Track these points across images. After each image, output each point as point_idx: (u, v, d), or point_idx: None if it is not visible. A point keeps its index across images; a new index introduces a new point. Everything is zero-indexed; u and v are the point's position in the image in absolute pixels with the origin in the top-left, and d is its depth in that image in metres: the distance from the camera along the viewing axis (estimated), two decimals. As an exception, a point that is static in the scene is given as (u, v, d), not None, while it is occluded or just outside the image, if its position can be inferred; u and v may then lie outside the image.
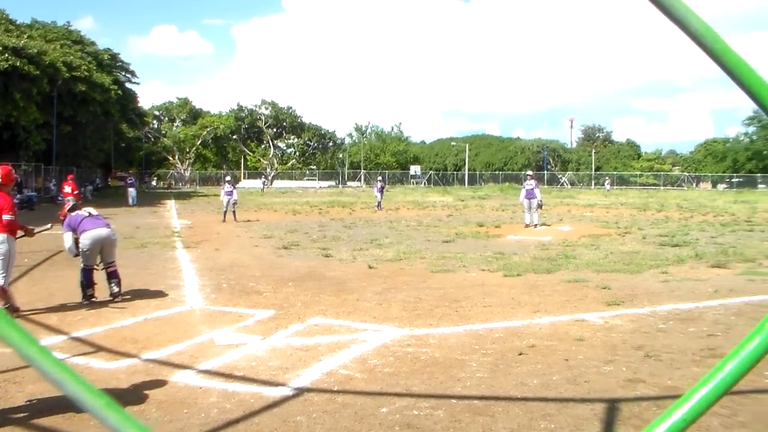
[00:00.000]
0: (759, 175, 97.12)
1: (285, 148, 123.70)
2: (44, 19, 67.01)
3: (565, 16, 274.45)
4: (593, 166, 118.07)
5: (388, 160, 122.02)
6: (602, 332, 9.18)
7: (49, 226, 11.43)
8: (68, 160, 61.52)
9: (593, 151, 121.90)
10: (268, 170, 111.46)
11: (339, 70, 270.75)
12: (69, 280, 12.48)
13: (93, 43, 68.22)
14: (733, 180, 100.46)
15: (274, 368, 7.57)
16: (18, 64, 47.17)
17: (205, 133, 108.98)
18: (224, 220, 30.49)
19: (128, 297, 11.78)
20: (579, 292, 12.20)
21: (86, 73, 55.76)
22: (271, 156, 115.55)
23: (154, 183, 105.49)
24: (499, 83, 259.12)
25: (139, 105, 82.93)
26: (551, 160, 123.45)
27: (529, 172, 30.31)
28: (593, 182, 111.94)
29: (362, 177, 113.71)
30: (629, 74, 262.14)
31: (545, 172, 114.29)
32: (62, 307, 10.96)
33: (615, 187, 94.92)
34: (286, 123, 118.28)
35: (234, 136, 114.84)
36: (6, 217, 9.96)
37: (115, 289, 11.51)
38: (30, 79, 48.22)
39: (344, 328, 9.53)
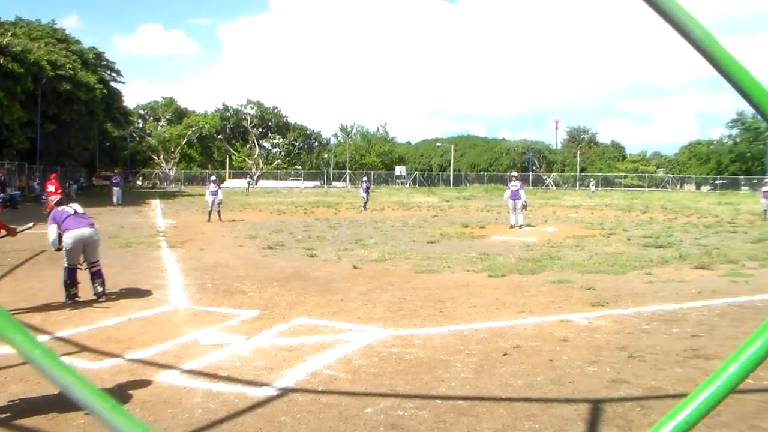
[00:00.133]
0: (742, 177, 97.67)
1: (270, 148, 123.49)
2: (28, 17, 66.63)
3: (551, 18, 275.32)
4: (578, 167, 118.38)
5: (373, 160, 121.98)
6: (586, 333, 9.21)
7: (31, 224, 11.37)
8: (52, 159, 61.21)
9: (578, 152, 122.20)
10: (253, 170, 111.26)
11: (325, 70, 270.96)
12: (52, 279, 12.43)
13: (78, 42, 67.87)
14: (716, 182, 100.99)
15: (258, 368, 7.56)
16: (2, 62, 46.92)
17: (190, 132, 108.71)
18: (209, 220, 30.35)
19: (113, 296, 11.75)
20: (563, 292, 12.23)
21: (71, 72, 55.51)
22: (256, 156, 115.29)
23: (139, 182, 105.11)
24: (485, 84, 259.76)
25: (124, 104, 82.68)
26: (536, 161, 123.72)
27: (514, 173, 30.35)
28: (578, 183, 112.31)
29: (347, 177, 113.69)
30: (614, 76, 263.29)
31: (530, 173, 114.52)
32: (46, 307, 10.91)
33: (600, 189, 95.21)
34: (271, 123, 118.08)
35: (219, 136, 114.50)
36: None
37: (99, 289, 11.47)
38: (14, 77, 47.92)
39: (329, 328, 9.53)
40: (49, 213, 11.71)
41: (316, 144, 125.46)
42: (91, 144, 74.27)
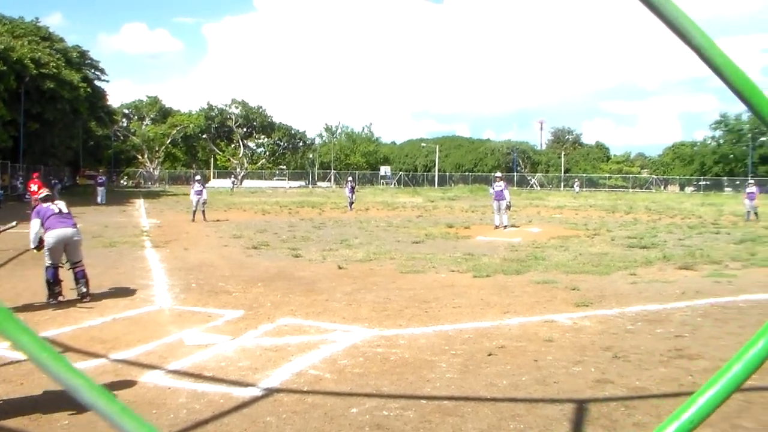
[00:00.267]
0: (725, 178, 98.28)
1: (255, 147, 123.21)
2: (11, 15, 66.17)
3: (536, 19, 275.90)
4: (563, 168, 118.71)
5: (358, 160, 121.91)
6: (571, 333, 9.24)
7: (14, 224, 11.30)
8: (36, 157, 60.79)
9: (563, 153, 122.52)
10: (238, 170, 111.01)
11: (310, 70, 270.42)
12: (36, 279, 12.37)
13: (62, 40, 67.43)
14: (700, 183, 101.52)
15: (243, 368, 7.55)
16: (-16, 60, 46.63)
17: (174, 132, 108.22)
18: (193, 220, 30.28)
19: (97, 297, 11.69)
20: (548, 293, 12.27)
21: (55, 70, 55.18)
22: (240, 155, 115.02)
23: (123, 182, 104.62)
24: (470, 85, 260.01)
25: (109, 103, 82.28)
26: (521, 162, 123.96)
27: (498, 174, 30.41)
28: (562, 184, 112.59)
29: (332, 177, 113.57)
30: (598, 77, 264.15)
31: (515, 173, 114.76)
32: (29, 307, 10.86)
33: (584, 189, 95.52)
34: (256, 122, 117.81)
35: (204, 136, 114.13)
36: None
37: (83, 289, 11.43)
38: (-3, 75, 47.66)
39: (314, 328, 9.53)
40: (35, 207, 11.69)
41: (300, 144, 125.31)
42: (74, 143, 73.78)
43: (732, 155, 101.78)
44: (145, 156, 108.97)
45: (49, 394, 6.63)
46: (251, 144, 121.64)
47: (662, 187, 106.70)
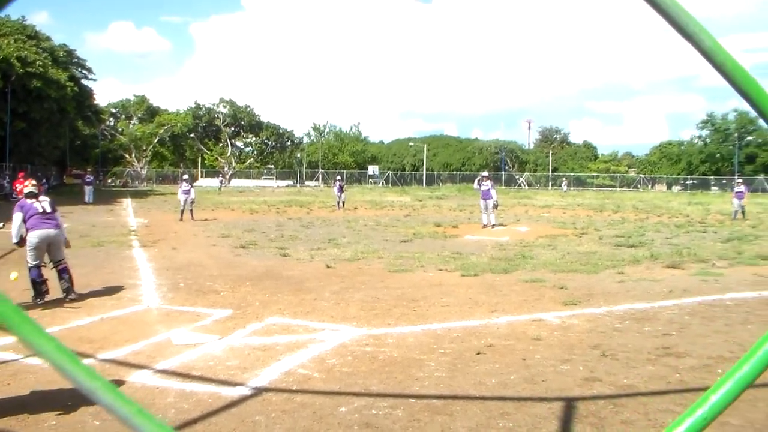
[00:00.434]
0: (712, 177, 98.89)
1: (243, 146, 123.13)
2: (-3, 14, 65.73)
3: (523, 19, 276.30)
4: (550, 167, 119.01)
5: (346, 159, 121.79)
6: (559, 332, 9.26)
7: (1, 225, 11.26)
8: (22, 157, 60.51)
9: (551, 152, 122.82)
10: (226, 169, 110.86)
11: (298, 69, 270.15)
12: (22, 279, 12.30)
13: (48, 39, 67.10)
14: (687, 182, 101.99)
15: (232, 368, 7.54)
16: (-30, 59, 46.40)
17: (162, 131, 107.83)
18: (181, 219, 30.20)
19: (84, 296, 11.66)
20: (536, 291, 12.30)
21: (41, 69, 54.93)
22: (228, 155, 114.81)
23: (110, 181, 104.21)
24: (458, 84, 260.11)
25: (96, 102, 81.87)
26: (509, 161, 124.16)
27: (485, 173, 30.46)
28: (550, 183, 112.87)
29: (320, 176, 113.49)
30: (586, 77, 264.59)
31: (503, 172, 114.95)
32: (16, 307, 10.78)
33: (572, 188, 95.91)
34: (244, 122, 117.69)
35: (191, 135, 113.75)
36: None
37: (66, 285, 11.39)
38: (-18, 74, 47.42)
39: (302, 327, 9.52)
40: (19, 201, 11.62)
41: (288, 143, 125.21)
42: (61, 142, 73.49)
43: (719, 154, 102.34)
44: (133, 155, 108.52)
45: (36, 394, 6.61)
46: (239, 143, 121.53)
47: (649, 186, 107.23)
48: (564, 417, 6.08)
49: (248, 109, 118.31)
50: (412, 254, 17.54)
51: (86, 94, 73.56)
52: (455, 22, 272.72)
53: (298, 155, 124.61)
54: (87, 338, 8.90)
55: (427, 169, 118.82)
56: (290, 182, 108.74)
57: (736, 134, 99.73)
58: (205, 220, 30.64)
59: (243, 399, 6.53)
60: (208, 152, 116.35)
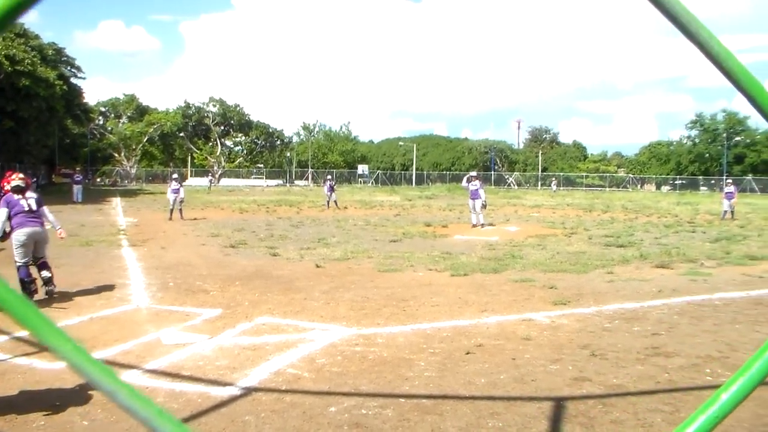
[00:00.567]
0: (701, 177, 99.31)
1: (232, 146, 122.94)
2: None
3: (513, 19, 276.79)
4: (540, 167, 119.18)
5: (335, 159, 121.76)
6: (549, 331, 9.28)
7: None
8: (10, 155, 60.25)
9: (540, 152, 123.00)
10: (216, 168, 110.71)
11: (288, 68, 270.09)
12: (9, 279, 12.25)
13: (37, 37, 66.71)
14: (676, 182, 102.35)
15: (221, 368, 7.52)
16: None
17: (151, 130, 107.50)
18: (171, 218, 30.11)
19: (74, 295, 11.63)
20: (526, 291, 12.32)
21: (30, 68, 54.61)
22: (218, 154, 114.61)
23: (99, 180, 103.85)
24: (448, 84, 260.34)
25: (85, 101, 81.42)
26: (498, 161, 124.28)
27: (473, 173, 30.50)
28: (540, 183, 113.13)
29: (310, 176, 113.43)
30: (575, 77, 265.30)
31: (492, 172, 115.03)
32: (3, 307, 10.74)
33: (561, 188, 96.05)
34: (233, 121, 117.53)
35: (181, 134, 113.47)
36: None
37: (47, 275, 11.38)
38: (-30, 72, 47.17)
39: (292, 327, 9.50)
40: (4, 195, 11.53)
41: (278, 142, 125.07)
42: (50, 141, 73.18)
43: (707, 155, 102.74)
44: (122, 154, 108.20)
45: (24, 394, 6.58)
46: (229, 142, 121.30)
47: (639, 186, 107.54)
48: (554, 417, 6.10)
49: (238, 109, 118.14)
50: (401, 254, 17.54)
51: (75, 92, 73.23)
52: (445, 22, 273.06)
53: (288, 155, 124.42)
54: (76, 338, 8.82)
55: (416, 169, 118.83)
56: (280, 182, 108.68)
57: (724, 134, 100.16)
58: (195, 219, 30.58)
59: (233, 399, 6.52)
60: (198, 151, 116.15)
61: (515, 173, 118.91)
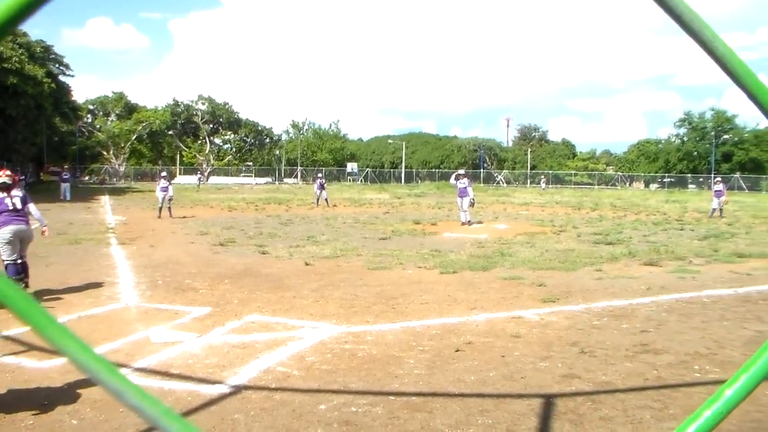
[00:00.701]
0: (689, 175, 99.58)
1: (221, 144, 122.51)
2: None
3: (502, 17, 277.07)
4: (529, 165, 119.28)
5: (325, 157, 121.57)
6: (538, 329, 9.30)
7: None
8: (-2, 154, 60.06)
9: (529, 150, 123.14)
10: (204, 166, 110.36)
11: (277, 66, 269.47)
12: None
13: (25, 34, 66.24)
14: (664, 180, 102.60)
15: (211, 366, 7.51)
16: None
17: (140, 128, 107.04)
18: (159, 217, 30.03)
19: (62, 294, 11.60)
20: (515, 289, 12.34)
21: (17, 65, 54.32)
22: (207, 152, 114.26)
23: (87, 178, 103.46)
24: (437, 82, 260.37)
25: (73, 99, 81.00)
26: (488, 159, 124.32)
27: (461, 171, 30.53)
28: (529, 181, 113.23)
29: (299, 174, 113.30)
30: (564, 75, 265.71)
31: (482, 170, 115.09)
32: (-9, 305, 10.71)
33: (550, 186, 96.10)
34: (222, 119, 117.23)
35: (170, 132, 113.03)
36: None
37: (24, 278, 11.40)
38: (-43, 70, 46.89)
39: (281, 325, 9.50)
40: None
41: (267, 140, 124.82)
42: (38, 139, 72.78)
43: (696, 153, 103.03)
44: (111, 152, 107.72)
45: (12, 393, 6.56)
46: (218, 140, 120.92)
47: (627, 184, 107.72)
48: (543, 414, 6.11)
49: (227, 107, 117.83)
50: (391, 252, 17.55)
51: (64, 90, 72.90)
52: (435, 20, 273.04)
53: (277, 152, 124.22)
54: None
55: (406, 167, 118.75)
56: (269, 179, 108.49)
57: (713, 133, 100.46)
58: (184, 217, 30.54)
59: (222, 397, 6.52)
60: (187, 149, 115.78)
61: (504, 171, 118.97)
